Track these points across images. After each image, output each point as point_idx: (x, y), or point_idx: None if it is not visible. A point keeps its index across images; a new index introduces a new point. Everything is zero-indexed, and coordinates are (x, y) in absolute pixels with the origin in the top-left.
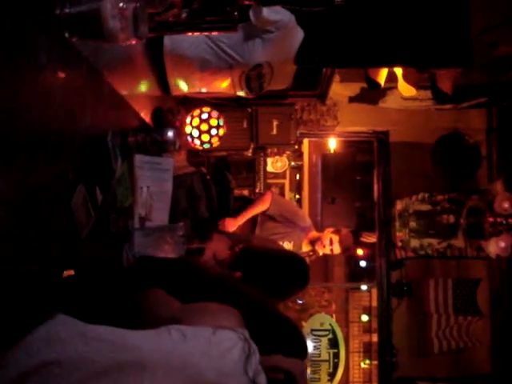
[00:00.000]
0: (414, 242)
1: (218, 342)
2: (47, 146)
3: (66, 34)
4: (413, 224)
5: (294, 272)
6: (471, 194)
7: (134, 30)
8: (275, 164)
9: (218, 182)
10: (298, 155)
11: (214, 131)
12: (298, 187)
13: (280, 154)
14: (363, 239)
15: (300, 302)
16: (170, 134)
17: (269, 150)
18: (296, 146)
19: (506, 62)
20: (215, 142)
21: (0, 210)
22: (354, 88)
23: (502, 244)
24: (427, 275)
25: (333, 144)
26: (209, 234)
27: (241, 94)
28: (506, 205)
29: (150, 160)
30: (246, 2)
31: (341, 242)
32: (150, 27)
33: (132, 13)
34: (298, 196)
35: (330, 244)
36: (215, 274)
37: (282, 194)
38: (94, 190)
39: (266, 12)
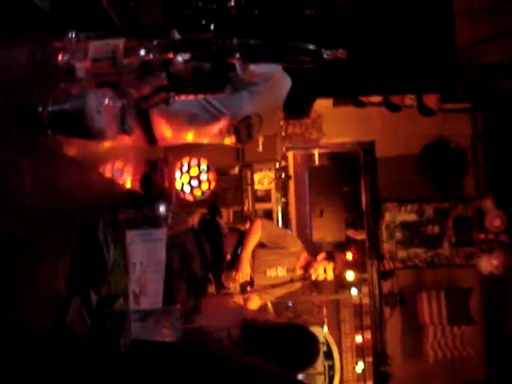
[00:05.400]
0: (401, 253)
1: None
2: (40, 272)
3: (49, 133)
4: (399, 235)
5: (303, 352)
6: (457, 203)
7: (121, 127)
8: (262, 180)
9: (209, 230)
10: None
11: (203, 176)
12: (283, 187)
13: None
14: (350, 235)
15: (290, 304)
16: (162, 208)
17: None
18: (283, 162)
19: (490, 70)
20: (206, 190)
21: None
22: (338, 99)
23: (495, 262)
24: (418, 284)
25: (319, 156)
26: (203, 291)
27: (229, 143)
28: (497, 223)
29: (141, 232)
30: (234, 61)
31: (334, 269)
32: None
33: (118, 110)
34: (284, 199)
35: (324, 272)
36: (219, 359)
37: (269, 195)
38: (89, 293)
39: (253, 65)
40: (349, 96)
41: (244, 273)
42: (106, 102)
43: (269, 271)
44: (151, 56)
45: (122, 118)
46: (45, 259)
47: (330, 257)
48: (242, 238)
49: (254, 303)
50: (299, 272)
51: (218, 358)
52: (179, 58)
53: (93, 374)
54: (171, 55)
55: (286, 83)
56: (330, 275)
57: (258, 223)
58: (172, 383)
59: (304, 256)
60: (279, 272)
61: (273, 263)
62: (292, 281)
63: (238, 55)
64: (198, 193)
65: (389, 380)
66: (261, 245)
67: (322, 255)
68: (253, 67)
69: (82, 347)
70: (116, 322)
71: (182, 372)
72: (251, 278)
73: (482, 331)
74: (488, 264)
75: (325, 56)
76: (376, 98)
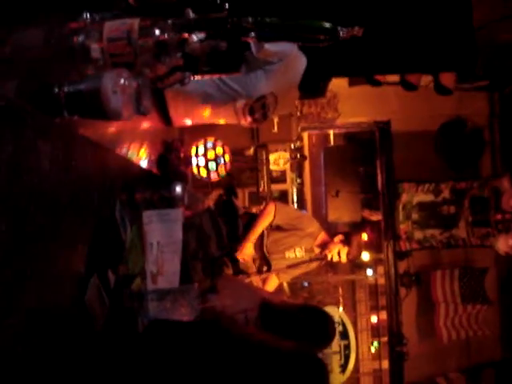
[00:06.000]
0: (418, 234)
1: None
2: (59, 252)
3: (65, 113)
4: (415, 216)
5: (320, 332)
6: (474, 182)
7: (137, 107)
8: (278, 161)
9: (226, 211)
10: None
11: (220, 160)
12: (299, 168)
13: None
14: (366, 215)
15: (306, 284)
16: (178, 189)
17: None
18: (298, 142)
19: (507, 49)
20: (222, 171)
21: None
22: (353, 78)
23: (511, 242)
24: (434, 265)
25: (334, 136)
26: (219, 271)
27: (244, 123)
28: None
29: (157, 213)
30: (249, 40)
31: (348, 254)
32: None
33: (134, 90)
34: (299, 180)
35: (338, 255)
36: (235, 336)
37: (284, 176)
38: (107, 272)
39: (268, 44)
40: (365, 75)
41: (245, 254)
42: (122, 82)
43: (287, 253)
44: (166, 36)
45: (137, 98)
46: (63, 239)
47: (346, 240)
48: (251, 220)
49: (272, 283)
50: (317, 250)
51: (234, 335)
52: (194, 38)
53: (111, 352)
54: (186, 35)
55: (302, 62)
56: (344, 259)
57: (271, 207)
58: (190, 361)
59: (321, 235)
60: (298, 253)
61: (290, 245)
62: (310, 260)
63: (253, 34)
64: (211, 160)
65: (404, 359)
66: (277, 227)
67: (338, 237)
68: (268, 46)
69: (101, 326)
70: (134, 302)
71: (199, 350)
72: (267, 259)
73: (497, 311)
74: (504, 244)
75: (341, 34)
76: (392, 77)
